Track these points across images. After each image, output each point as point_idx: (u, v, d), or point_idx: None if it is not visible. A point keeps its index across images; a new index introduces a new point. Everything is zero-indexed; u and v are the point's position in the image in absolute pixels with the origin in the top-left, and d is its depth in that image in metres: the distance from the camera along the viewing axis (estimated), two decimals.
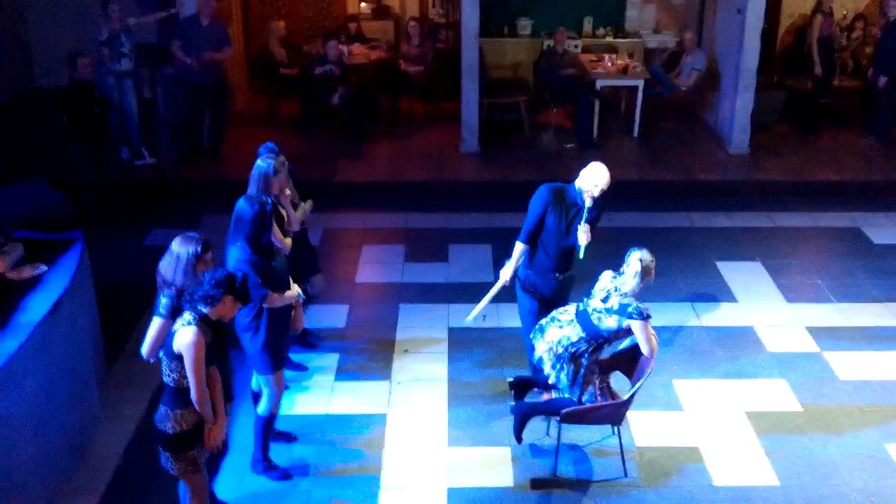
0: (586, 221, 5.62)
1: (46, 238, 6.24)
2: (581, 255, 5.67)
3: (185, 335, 4.31)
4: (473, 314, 6.20)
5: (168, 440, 4.50)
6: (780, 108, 11.84)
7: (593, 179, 5.61)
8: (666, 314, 7.28)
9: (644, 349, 5.39)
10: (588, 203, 5.61)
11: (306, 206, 6.54)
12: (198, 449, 4.58)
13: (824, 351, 7.02)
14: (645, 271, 5.33)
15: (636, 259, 5.35)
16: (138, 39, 10.40)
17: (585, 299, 5.54)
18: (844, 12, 12.29)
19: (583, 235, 5.60)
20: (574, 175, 5.81)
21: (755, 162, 10.73)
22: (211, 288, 4.36)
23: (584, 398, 5.51)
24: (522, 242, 5.86)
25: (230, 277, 4.43)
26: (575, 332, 5.47)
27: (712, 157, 10.92)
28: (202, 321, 4.36)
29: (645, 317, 5.31)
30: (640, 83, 11.47)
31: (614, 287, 5.39)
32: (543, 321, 5.70)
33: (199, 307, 4.39)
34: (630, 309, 5.30)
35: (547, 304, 5.92)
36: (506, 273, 5.96)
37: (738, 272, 8.29)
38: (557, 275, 5.89)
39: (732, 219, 9.50)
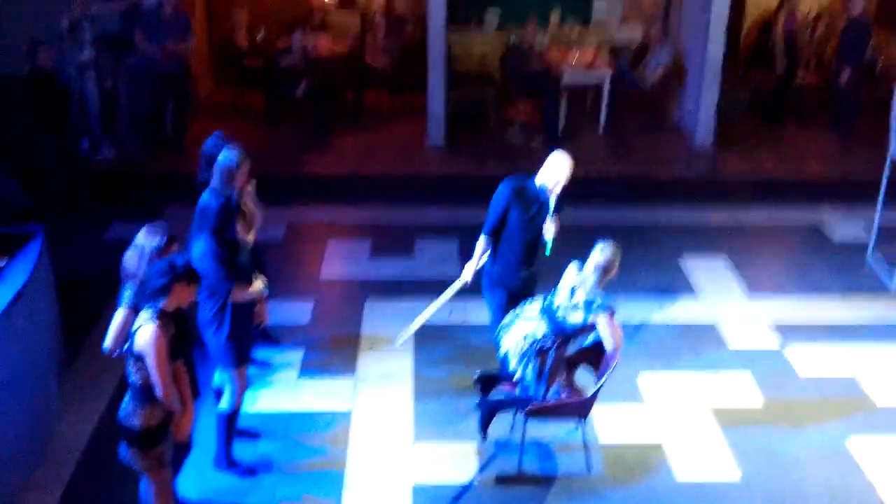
0: (553, 213, 5.62)
1: (5, 231, 6.14)
2: (548, 252, 5.68)
3: (144, 334, 4.26)
4: (422, 318, 6.25)
5: (135, 436, 4.44)
6: (745, 103, 11.94)
7: (556, 175, 5.62)
8: (630, 309, 7.31)
9: (608, 345, 5.41)
10: (553, 199, 5.61)
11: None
12: (164, 445, 4.53)
13: (786, 346, 7.09)
14: (607, 265, 5.34)
15: (598, 251, 5.37)
16: (101, 29, 10.23)
17: (551, 295, 5.55)
18: (808, 11, 12.39)
19: (550, 228, 5.62)
20: (540, 168, 5.82)
21: (720, 157, 10.81)
22: (158, 279, 4.31)
23: (550, 394, 5.52)
24: (487, 235, 5.85)
25: (171, 264, 4.37)
26: (541, 328, 5.47)
27: (677, 152, 10.98)
28: (161, 316, 4.30)
29: (611, 312, 5.33)
30: (607, 78, 11.49)
31: (580, 281, 5.40)
32: (508, 317, 5.70)
33: (155, 302, 4.32)
34: (596, 304, 5.32)
35: (513, 299, 5.92)
36: (467, 272, 5.95)
37: (702, 267, 8.35)
38: (523, 270, 5.89)
39: (697, 214, 9.56)
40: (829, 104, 11.70)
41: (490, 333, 6.08)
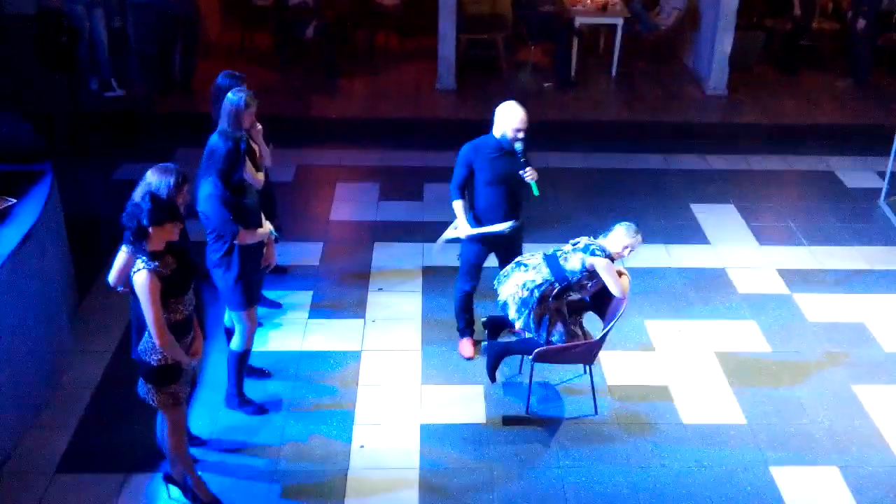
0: (524, 159, 5.57)
1: (15, 170, 6.13)
2: (536, 192, 5.64)
3: (137, 279, 4.24)
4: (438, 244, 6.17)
5: (151, 372, 4.47)
6: (760, 49, 11.79)
7: (514, 122, 5.54)
8: (639, 255, 7.26)
9: (613, 290, 5.40)
10: (519, 145, 5.55)
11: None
12: (180, 383, 4.56)
13: (794, 293, 7.09)
14: (631, 247, 5.35)
15: (622, 231, 5.37)
16: None
17: (549, 249, 5.52)
18: None
19: (530, 174, 5.59)
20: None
21: (732, 103, 10.70)
22: (128, 223, 4.22)
23: (554, 339, 5.52)
24: (458, 199, 5.80)
25: (136, 208, 4.23)
26: (540, 275, 5.45)
27: (690, 98, 10.88)
28: (152, 258, 4.25)
29: (608, 256, 5.31)
30: (620, 21, 11.35)
31: (590, 239, 5.39)
32: (508, 268, 5.69)
33: (138, 245, 4.26)
34: (593, 247, 5.30)
35: (502, 250, 5.93)
36: (463, 230, 5.85)
37: (712, 214, 8.32)
38: (513, 221, 5.82)
39: (708, 161, 9.50)
40: (845, 51, 11.53)
41: (459, 286, 6.09)
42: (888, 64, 11.64)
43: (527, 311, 5.48)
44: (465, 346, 6.26)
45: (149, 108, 10.03)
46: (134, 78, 10.49)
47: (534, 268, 5.51)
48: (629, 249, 5.39)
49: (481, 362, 6.01)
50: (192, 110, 9.73)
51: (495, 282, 5.72)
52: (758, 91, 11.04)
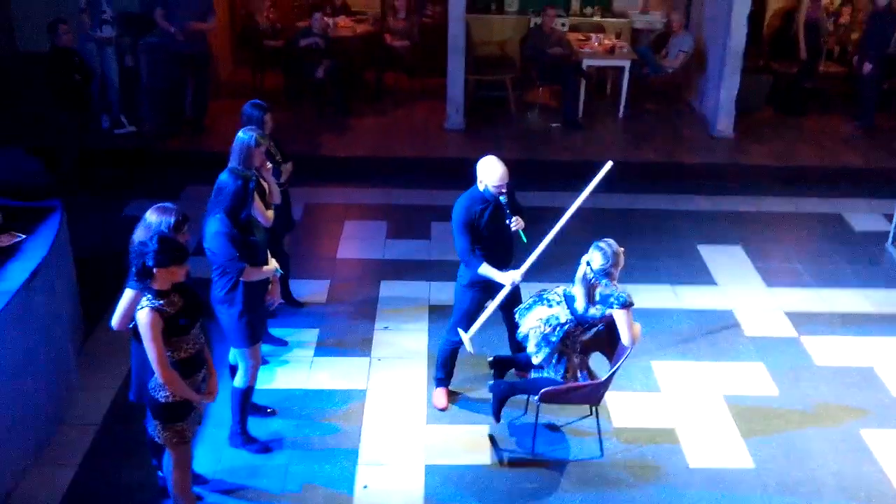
0: (510, 211, 5.57)
1: (25, 206, 6.18)
2: (524, 239, 5.61)
3: (139, 318, 4.25)
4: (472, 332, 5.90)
5: (160, 408, 4.46)
6: (766, 91, 11.86)
7: (494, 179, 5.48)
8: (646, 296, 7.29)
9: (625, 339, 5.36)
10: (503, 198, 5.55)
11: (288, 167, 6.51)
12: (188, 421, 4.55)
13: (802, 336, 7.06)
14: (608, 265, 5.28)
15: (596, 255, 5.30)
16: (120, 7, 10.26)
17: (569, 286, 5.50)
18: None
19: (516, 223, 5.57)
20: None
21: (739, 145, 10.75)
22: (135, 262, 4.23)
23: (568, 377, 5.50)
24: (481, 262, 5.63)
25: (143, 247, 4.24)
26: (564, 314, 5.45)
27: (697, 140, 10.93)
28: (157, 297, 4.26)
29: (627, 305, 5.30)
30: (627, 64, 11.44)
31: (593, 275, 5.35)
32: (529, 300, 5.67)
33: (143, 284, 4.27)
34: (612, 299, 5.29)
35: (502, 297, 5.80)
36: (510, 277, 5.66)
37: (720, 255, 8.32)
38: (507, 268, 5.75)
39: (715, 202, 9.52)
40: (852, 94, 11.58)
41: (449, 333, 6.00)
42: (894, 107, 11.69)
43: (548, 349, 5.46)
44: (440, 397, 6.15)
45: (159, 146, 10.11)
46: (144, 116, 10.59)
47: (557, 304, 5.50)
48: (620, 263, 5.35)
49: (487, 402, 5.98)
50: (202, 148, 9.82)
51: (516, 314, 5.70)
52: (764, 133, 11.09)
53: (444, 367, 6.13)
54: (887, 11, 10.77)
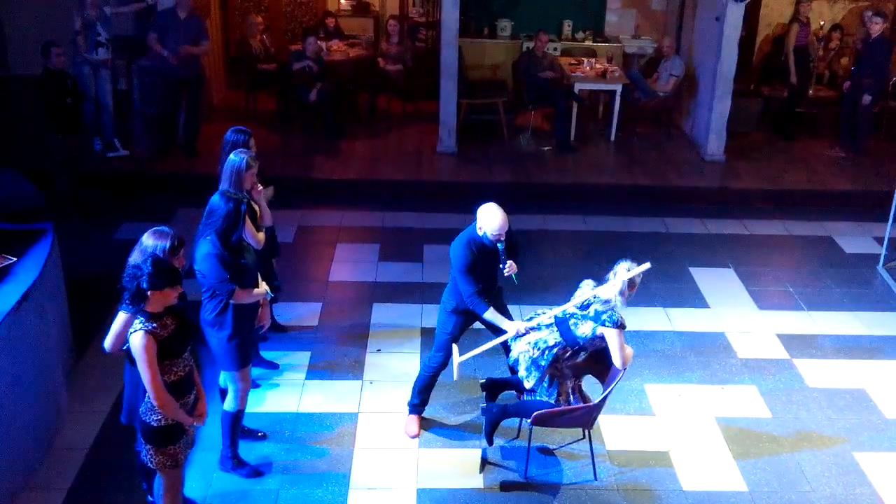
0: (505, 257, 5.57)
1: (17, 229, 6.16)
2: (516, 282, 5.60)
3: (133, 341, 4.25)
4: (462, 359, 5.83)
5: (151, 432, 4.44)
6: (757, 116, 11.94)
7: (493, 227, 5.47)
8: (639, 319, 7.29)
9: (616, 360, 5.33)
10: (500, 245, 5.55)
11: (268, 192, 6.43)
12: (180, 444, 4.53)
13: (794, 358, 7.07)
14: (630, 283, 5.30)
15: (623, 269, 5.31)
16: (115, 30, 10.29)
17: (565, 307, 5.49)
18: (822, 22, 12.37)
19: (509, 268, 5.57)
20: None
21: (730, 169, 10.80)
22: (128, 285, 4.22)
23: (561, 400, 5.48)
24: (487, 307, 5.59)
25: (137, 270, 4.24)
26: (553, 337, 5.45)
27: (688, 163, 10.98)
28: (150, 320, 4.26)
29: (619, 325, 5.28)
30: (619, 87, 11.51)
31: (593, 295, 5.36)
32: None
33: (136, 307, 4.26)
34: (604, 317, 5.28)
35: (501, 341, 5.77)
36: (515, 328, 5.62)
37: (711, 278, 8.33)
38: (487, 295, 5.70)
39: (706, 225, 9.55)
40: (839, 118, 11.54)
41: (435, 352, 5.91)
42: (885, 130, 11.75)
43: (538, 373, 5.45)
44: (412, 424, 6.08)
45: (151, 169, 10.12)
46: (138, 138, 10.59)
47: (546, 327, 5.49)
48: (635, 285, 5.35)
49: (479, 425, 5.95)
50: (194, 171, 9.82)
51: (510, 339, 5.68)
52: (755, 157, 11.15)
53: (421, 395, 6.06)
54: (882, 40, 10.76)
